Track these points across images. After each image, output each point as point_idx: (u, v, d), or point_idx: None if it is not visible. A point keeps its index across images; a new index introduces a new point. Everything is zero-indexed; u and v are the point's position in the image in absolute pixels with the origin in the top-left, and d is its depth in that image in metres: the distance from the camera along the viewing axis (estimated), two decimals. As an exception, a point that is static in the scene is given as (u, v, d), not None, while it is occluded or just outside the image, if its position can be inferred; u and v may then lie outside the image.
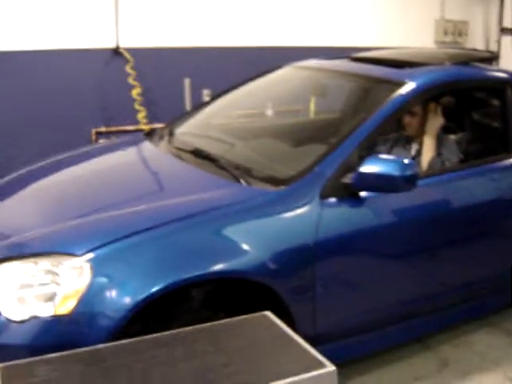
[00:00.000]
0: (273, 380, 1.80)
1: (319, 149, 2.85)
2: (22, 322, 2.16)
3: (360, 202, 2.67)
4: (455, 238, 3.02)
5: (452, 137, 3.44)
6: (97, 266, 2.22)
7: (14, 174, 3.35)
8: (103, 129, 5.40)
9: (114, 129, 5.41)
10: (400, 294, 2.89)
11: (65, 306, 2.16)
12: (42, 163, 3.43)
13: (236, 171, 2.78)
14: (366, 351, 2.92)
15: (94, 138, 5.36)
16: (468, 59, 3.47)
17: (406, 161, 2.60)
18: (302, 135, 3.54)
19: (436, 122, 3.28)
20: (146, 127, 5.10)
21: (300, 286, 2.54)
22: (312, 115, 3.76)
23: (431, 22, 7.01)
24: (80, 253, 2.25)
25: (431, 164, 3.20)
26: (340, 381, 1.94)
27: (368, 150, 2.80)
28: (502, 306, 3.43)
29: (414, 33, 6.77)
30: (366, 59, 3.62)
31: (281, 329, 2.09)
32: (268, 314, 2.19)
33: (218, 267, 2.34)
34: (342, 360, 2.71)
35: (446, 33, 7.04)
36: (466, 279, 3.13)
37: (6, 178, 3.33)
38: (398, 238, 2.79)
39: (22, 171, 3.37)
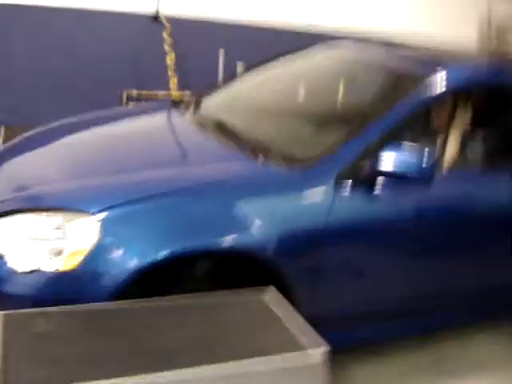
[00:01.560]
0: (263, 354, 1.81)
1: (341, 132, 2.83)
2: (27, 273, 2.21)
3: (376, 189, 2.65)
4: (468, 238, 2.95)
5: (479, 133, 3.38)
6: (106, 226, 2.26)
7: (43, 128, 3.42)
8: (134, 92, 5.44)
9: (144, 93, 5.44)
10: (404, 289, 2.85)
11: (70, 263, 2.20)
12: (70, 120, 3.48)
13: (254, 148, 2.78)
14: (365, 341, 2.89)
15: (124, 100, 5.40)
16: (504, 58, 3.40)
17: (424, 151, 2.58)
18: (327, 118, 3.52)
19: (463, 117, 3.23)
20: (176, 94, 5.12)
21: (305, 268, 2.53)
22: (341, 98, 3.74)
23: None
24: (92, 211, 2.28)
25: (455, 159, 3.15)
26: (337, 366, 1.96)
27: (390, 140, 2.77)
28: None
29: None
30: (402, 48, 3.57)
31: (281, 304, 2.10)
32: (270, 288, 2.19)
33: (225, 241, 2.36)
34: (340, 346, 2.71)
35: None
36: (474, 283, 3.04)
37: (35, 130, 3.40)
38: (410, 231, 2.75)
39: (51, 125, 3.43)
